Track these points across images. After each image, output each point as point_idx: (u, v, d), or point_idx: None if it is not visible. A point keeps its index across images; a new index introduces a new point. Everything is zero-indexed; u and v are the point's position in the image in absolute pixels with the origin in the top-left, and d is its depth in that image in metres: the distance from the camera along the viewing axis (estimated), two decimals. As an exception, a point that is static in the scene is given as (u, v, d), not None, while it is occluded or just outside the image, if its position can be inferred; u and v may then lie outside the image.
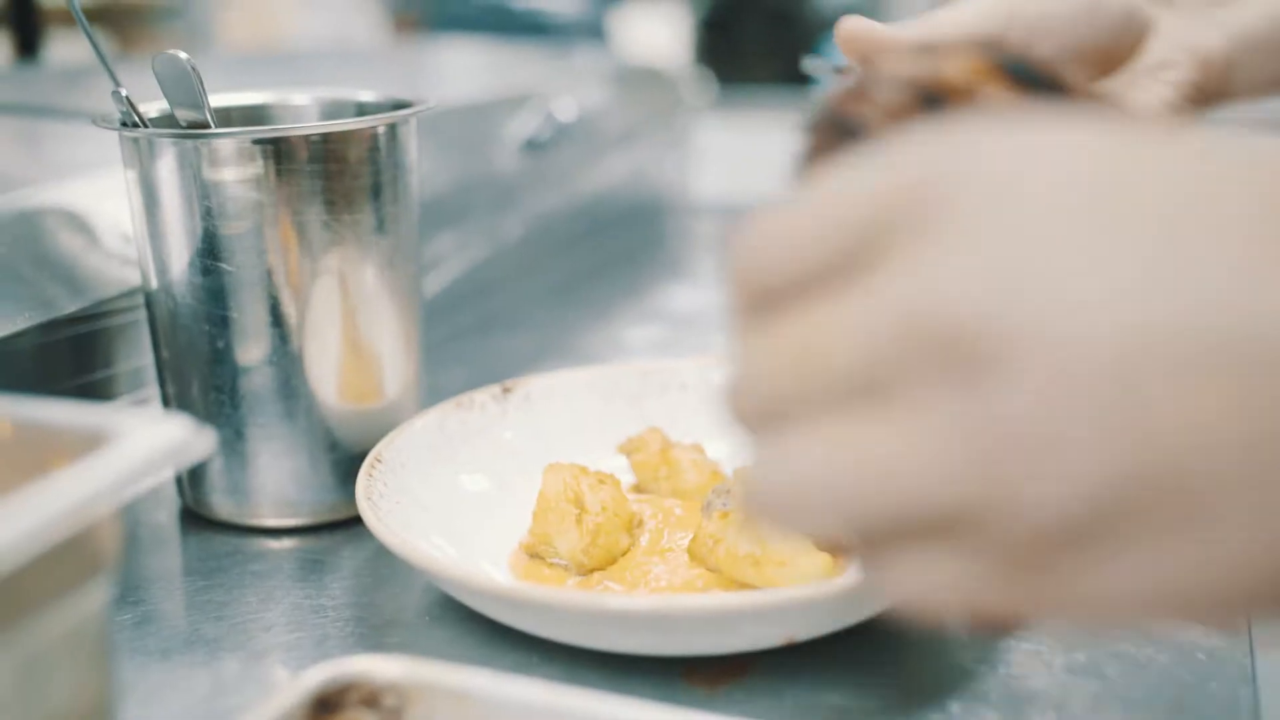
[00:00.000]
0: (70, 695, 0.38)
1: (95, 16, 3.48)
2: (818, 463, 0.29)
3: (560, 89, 1.28)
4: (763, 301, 0.30)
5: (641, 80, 1.54)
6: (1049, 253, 0.26)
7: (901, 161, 0.29)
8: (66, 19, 0.64)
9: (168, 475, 0.69)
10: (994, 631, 0.42)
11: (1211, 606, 0.27)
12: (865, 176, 0.29)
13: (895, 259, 0.28)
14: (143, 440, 0.38)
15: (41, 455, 0.40)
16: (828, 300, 0.29)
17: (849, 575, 0.56)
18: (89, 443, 0.39)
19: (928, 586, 0.29)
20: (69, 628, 0.38)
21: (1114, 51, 0.58)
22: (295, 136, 0.62)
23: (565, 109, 1.23)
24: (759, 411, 0.30)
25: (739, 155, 2.39)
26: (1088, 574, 0.27)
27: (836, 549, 0.42)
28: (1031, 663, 0.53)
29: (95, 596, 0.39)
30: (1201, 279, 0.25)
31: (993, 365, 0.26)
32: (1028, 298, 0.26)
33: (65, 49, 2.22)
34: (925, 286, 0.27)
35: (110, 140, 0.64)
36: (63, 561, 0.37)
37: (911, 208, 0.28)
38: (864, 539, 0.29)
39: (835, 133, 0.38)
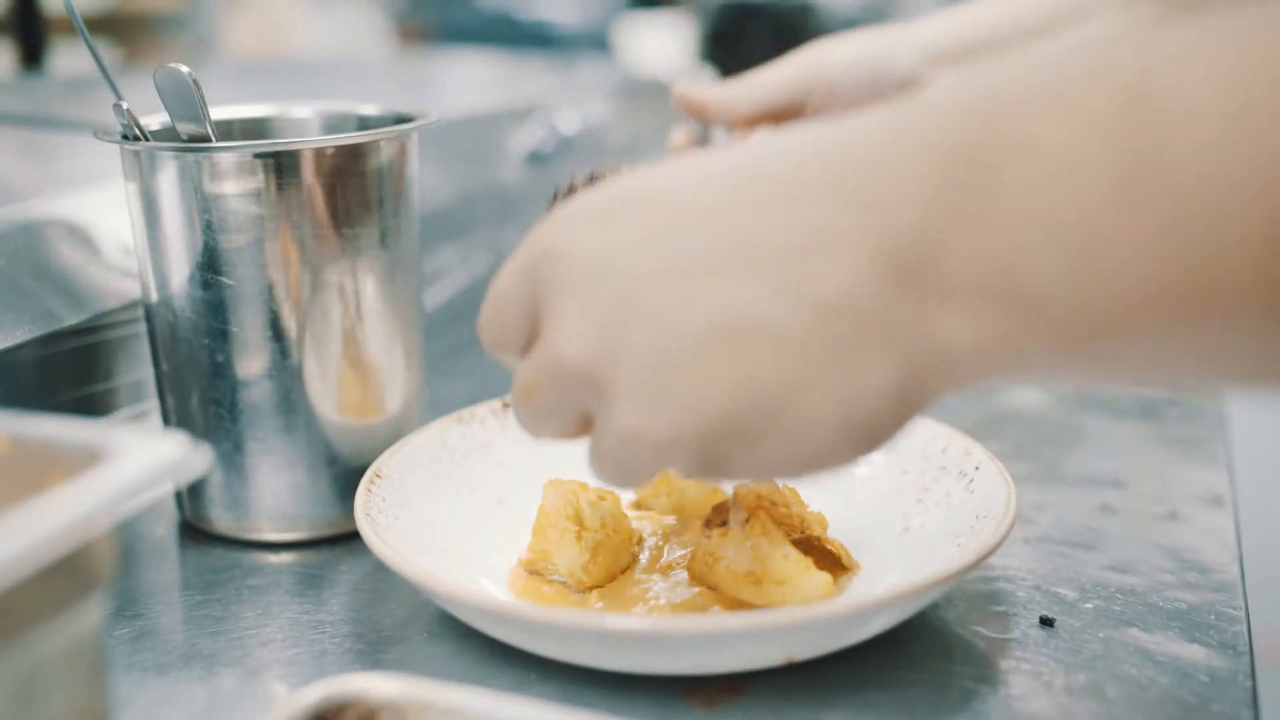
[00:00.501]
0: (66, 712, 0.38)
1: (99, 26, 3.49)
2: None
3: (564, 101, 1.28)
4: (501, 353, 0.49)
5: (646, 93, 1.54)
6: (617, 311, 0.42)
7: (528, 246, 0.46)
8: (71, 29, 0.64)
9: (166, 490, 0.69)
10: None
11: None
12: (513, 262, 0.46)
13: (541, 320, 0.45)
14: (139, 457, 0.38)
15: (38, 471, 0.40)
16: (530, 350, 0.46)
17: (850, 595, 0.56)
18: (86, 459, 0.39)
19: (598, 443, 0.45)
20: (65, 645, 0.38)
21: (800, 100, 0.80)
22: (296, 150, 0.61)
23: (569, 121, 1.23)
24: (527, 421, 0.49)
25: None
26: (717, 471, 0.43)
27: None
28: (1032, 684, 0.52)
29: (91, 613, 0.39)
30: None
31: (602, 392, 0.43)
32: (608, 347, 0.42)
33: (69, 59, 2.22)
34: (553, 346, 0.44)
35: (112, 152, 0.64)
36: (59, 578, 0.36)
37: (537, 282, 0.45)
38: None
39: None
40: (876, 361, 0.39)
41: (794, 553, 0.55)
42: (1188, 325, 0.35)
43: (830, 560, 0.59)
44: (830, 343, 0.39)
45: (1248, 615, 0.58)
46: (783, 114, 0.81)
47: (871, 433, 0.41)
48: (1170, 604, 0.59)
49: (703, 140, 0.81)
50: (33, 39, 1.69)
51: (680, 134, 0.82)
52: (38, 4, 1.70)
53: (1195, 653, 0.55)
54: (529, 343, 0.47)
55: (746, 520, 0.56)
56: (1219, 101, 0.33)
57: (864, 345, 0.39)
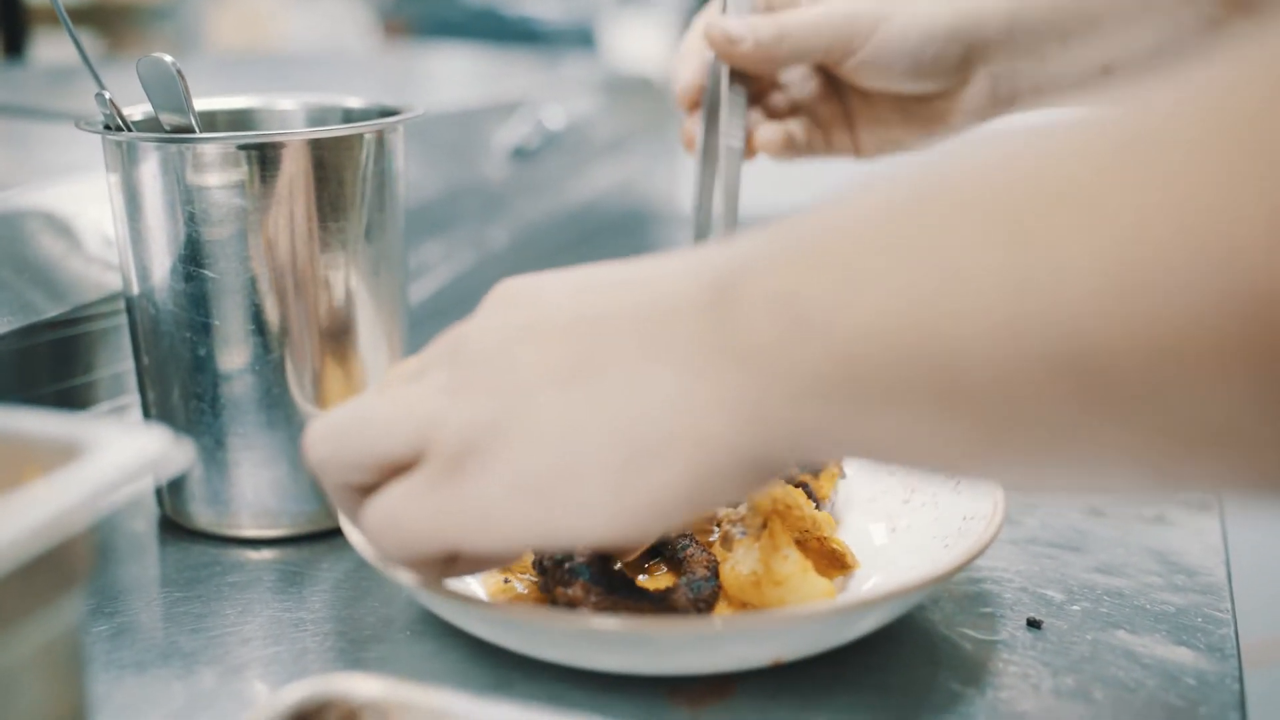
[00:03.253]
0: (42, 710, 0.38)
1: (83, 17, 3.48)
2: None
3: (549, 97, 1.27)
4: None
5: (631, 89, 1.53)
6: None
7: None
8: (53, 18, 0.63)
9: (146, 485, 0.68)
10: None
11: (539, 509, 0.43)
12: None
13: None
14: (119, 452, 0.37)
15: (15, 466, 0.39)
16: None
17: (842, 597, 0.55)
18: (64, 454, 0.38)
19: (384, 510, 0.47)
20: (41, 643, 0.37)
21: (845, 46, 0.71)
22: (281, 142, 0.61)
23: (554, 117, 1.23)
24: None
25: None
26: (473, 480, 0.44)
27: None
28: (1019, 686, 0.52)
29: (68, 611, 0.38)
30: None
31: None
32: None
33: (51, 49, 2.21)
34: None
35: (94, 143, 0.64)
36: (35, 576, 0.36)
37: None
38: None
39: None
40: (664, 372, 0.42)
41: (796, 554, 0.55)
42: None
43: (835, 560, 0.59)
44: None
45: (1235, 618, 0.58)
46: (820, 64, 0.74)
47: (639, 461, 0.42)
48: (1158, 606, 0.59)
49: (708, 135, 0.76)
50: (14, 28, 1.68)
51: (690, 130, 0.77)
52: (19, -7, 1.69)
53: (1183, 655, 0.54)
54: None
55: (764, 525, 0.56)
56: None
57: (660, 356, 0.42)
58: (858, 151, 0.78)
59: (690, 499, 0.42)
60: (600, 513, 0.42)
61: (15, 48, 1.67)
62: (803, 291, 0.38)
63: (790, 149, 0.77)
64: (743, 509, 0.57)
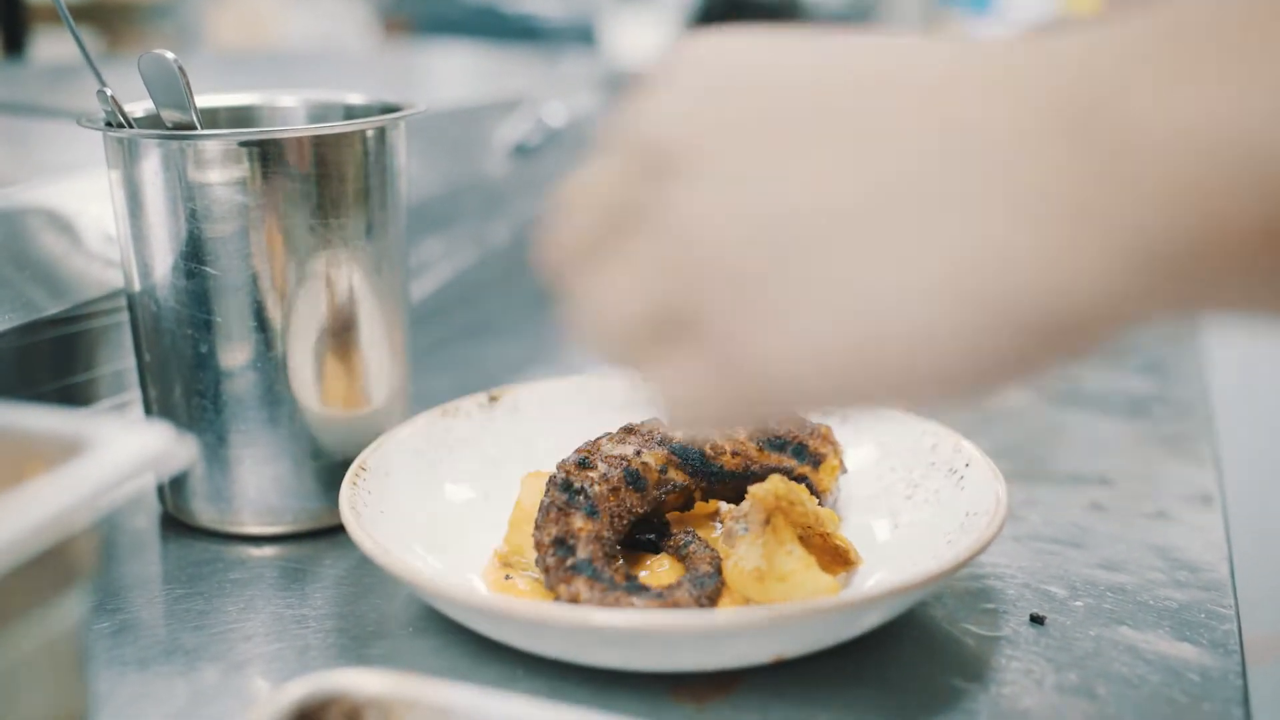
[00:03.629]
0: (45, 708, 0.38)
1: (83, 15, 3.47)
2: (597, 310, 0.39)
3: (550, 93, 1.27)
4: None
5: (632, 85, 1.53)
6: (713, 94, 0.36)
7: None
8: (54, 16, 0.63)
9: (148, 482, 0.68)
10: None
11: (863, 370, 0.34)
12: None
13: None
14: (121, 448, 0.37)
15: (18, 462, 0.39)
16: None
17: (845, 593, 0.55)
18: (66, 450, 0.38)
19: (673, 381, 0.37)
20: (44, 640, 0.37)
21: None
22: (282, 139, 0.61)
23: (555, 114, 1.23)
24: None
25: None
26: (765, 328, 0.34)
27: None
28: (1022, 682, 0.52)
29: (71, 608, 0.38)
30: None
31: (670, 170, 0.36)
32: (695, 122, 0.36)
33: (52, 46, 2.21)
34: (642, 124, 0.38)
35: (95, 140, 0.63)
36: (38, 572, 0.36)
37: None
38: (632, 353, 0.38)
39: (566, 490, 0.58)
40: (1039, 226, 0.31)
41: (799, 550, 0.55)
42: None
43: (839, 556, 0.59)
44: (988, 180, 0.32)
45: (1238, 614, 0.58)
46: None
47: (1001, 330, 0.32)
48: (1160, 602, 0.59)
49: None
50: (15, 26, 1.68)
51: None
52: (20, -9, 1.69)
53: (1186, 651, 0.54)
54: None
55: (766, 521, 0.56)
56: None
57: (1021, 204, 0.32)
58: None
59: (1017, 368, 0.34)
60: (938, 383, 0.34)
61: (16, 46, 1.67)
62: (1218, 113, 0.30)
63: None
64: (746, 505, 0.57)
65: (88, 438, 0.38)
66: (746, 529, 0.56)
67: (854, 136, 0.34)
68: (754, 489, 0.58)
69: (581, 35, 2.74)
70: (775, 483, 0.58)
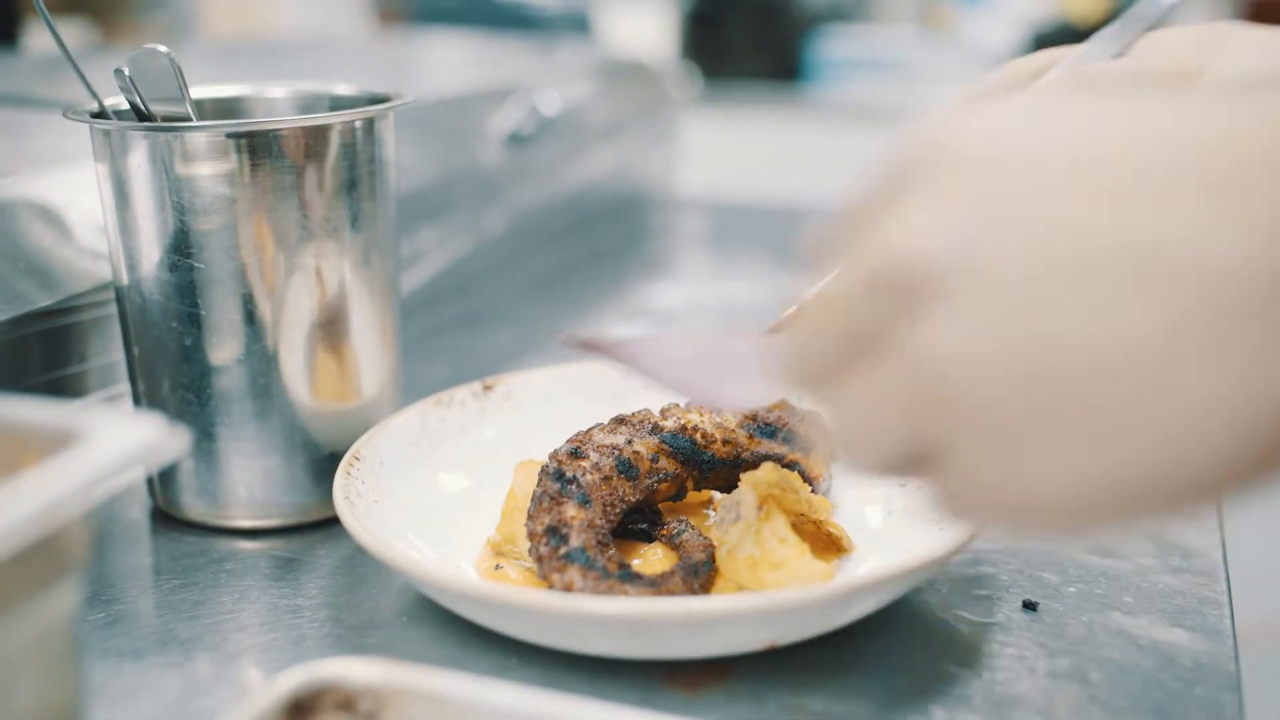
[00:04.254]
0: (38, 699, 0.38)
1: (77, 6, 3.46)
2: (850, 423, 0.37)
3: (544, 82, 1.27)
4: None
5: (626, 74, 1.53)
6: (974, 207, 0.33)
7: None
8: (48, 7, 0.63)
9: (138, 474, 0.68)
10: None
11: (1127, 501, 0.33)
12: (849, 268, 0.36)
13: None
14: (113, 440, 0.37)
15: (10, 454, 0.39)
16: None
17: (837, 579, 0.55)
18: (58, 442, 0.38)
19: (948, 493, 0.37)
20: (37, 631, 0.37)
21: None
22: (269, 131, 0.60)
23: (549, 103, 1.22)
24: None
25: (724, 150, 2.38)
26: (1024, 463, 0.33)
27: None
28: (1015, 668, 0.52)
29: (64, 598, 0.38)
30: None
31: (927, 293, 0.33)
32: (954, 240, 0.33)
33: (44, 37, 2.20)
34: (891, 237, 0.35)
35: (86, 132, 0.63)
36: (31, 563, 0.36)
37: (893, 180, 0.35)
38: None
39: (558, 480, 0.58)
40: None
41: (792, 537, 0.55)
42: None
43: (832, 543, 0.59)
44: (1254, 300, 0.31)
45: (1231, 600, 0.58)
46: None
47: (1246, 452, 0.32)
48: (1154, 588, 0.59)
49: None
50: (7, 16, 1.67)
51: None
52: (12, -19, 1.69)
53: (1178, 637, 0.54)
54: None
55: (760, 508, 0.56)
56: None
57: None
58: None
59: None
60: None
61: (8, 36, 1.67)
62: None
63: None
64: (739, 493, 0.57)
65: (79, 430, 0.38)
66: (740, 517, 0.56)
67: (1145, 262, 0.32)
68: (746, 476, 0.58)
69: (576, 24, 2.74)
70: (768, 470, 0.58)
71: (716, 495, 0.64)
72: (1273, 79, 0.48)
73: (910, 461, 0.37)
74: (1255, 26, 0.54)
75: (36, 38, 1.96)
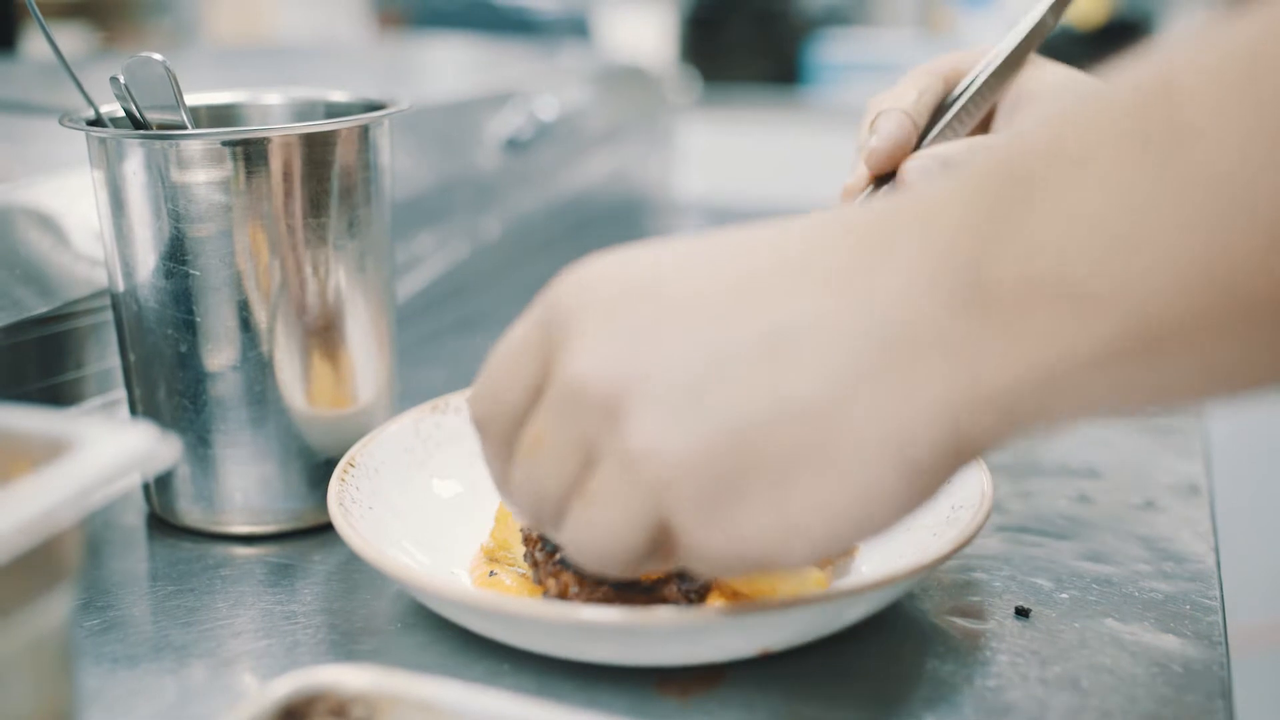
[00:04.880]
0: (31, 708, 0.38)
1: (78, 10, 3.47)
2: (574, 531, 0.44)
3: (543, 87, 1.27)
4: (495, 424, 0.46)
5: (625, 79, 1.53)
6: (648, 324, 0.40)
7: (535, 303, 0.44)
8: (46, 12, 0.63)
9: (134, 481, 0.68)
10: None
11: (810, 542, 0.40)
12: (517, 325, 0.45)
13: (552, 360, 0.43)
14: (106, 448, 0.38)
15: (2, 463, 0.39)
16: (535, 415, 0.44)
17: (828, 587, 0.56)
18: (51, 450, 0.38)
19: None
20: (29, 639, 0.37)
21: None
22: (263, 138, 0.61)
23: (547, 107, 1.23)
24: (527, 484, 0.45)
25: (723, 154, 2.38)
26: (740, 525, 0.40)
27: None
28: (1008, 674, 0.52)
29: (57, 607, 0.38)
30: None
31: (618, 414, 0.40)
32: (634, 360, 0.40)
33: (43, 43, 2.20)
34: (568, 369, 0.41)
35: (83, 138, 0.63)
36: (23, 572, 0.36)
37: (550, 325, 0.43)
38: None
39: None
40: (931, 383, 0.37)
41: None
42: (1226, 331, 0.34)
43: None
44: (884, 356, 0.37)
45: (1223, 605, 0.58)
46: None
47: (920, 472, 0.38)
48: (1146, 594, 0.59)
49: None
50: (6, 22, 1.68)
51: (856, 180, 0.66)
52: (11, -14, 1.69)
53: (1170, 643, 0.55)
54: (532, 400, 0.44)
55: None
56: (1241, 94, 0.33)
57: (919, 364, 0.37)
58: None
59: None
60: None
61: (6, 41, 1.67)
62: (1073, 272, 0.35)
63: None
64: None
65: (73, 438, 0.38)
66: None
67: (784, 338, 0.39)
68: None
69: (576, 28, 2.74)
70: None
71: None
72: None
73: (653, 546, 0.42)
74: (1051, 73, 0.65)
75: (35, 43, 1.97)
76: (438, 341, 1.01)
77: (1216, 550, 0.63)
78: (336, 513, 0.57)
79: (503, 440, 0.45)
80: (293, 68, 1.53)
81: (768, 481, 0.39)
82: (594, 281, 0.42)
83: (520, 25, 2.62)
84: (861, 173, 0.65)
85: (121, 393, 0.70)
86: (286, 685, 0.41)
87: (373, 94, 0.70)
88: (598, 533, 0.42)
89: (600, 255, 0.43)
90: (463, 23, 2.59)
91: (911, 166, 0.62)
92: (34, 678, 0.38)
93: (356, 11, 3.72)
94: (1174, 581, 0.60)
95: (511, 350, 0.45)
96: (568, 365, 0.42)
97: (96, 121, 0.64)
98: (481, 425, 0.46)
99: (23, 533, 0.34)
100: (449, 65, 1.65)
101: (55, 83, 1.22)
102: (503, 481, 0.46)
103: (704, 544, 0.41)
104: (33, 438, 0.39)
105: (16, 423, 0.40)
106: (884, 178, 0.64)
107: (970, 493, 0.58)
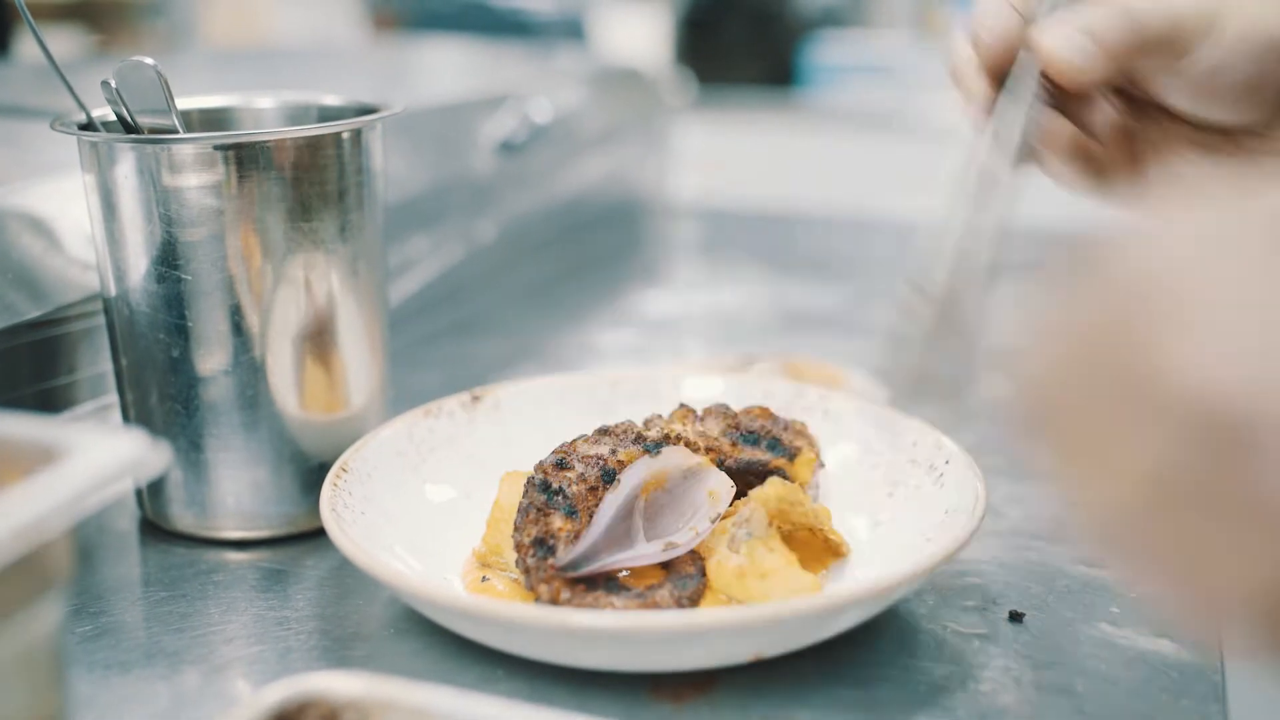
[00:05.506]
0: (23, 715, 0.38)
1: (73, 13, 3.46)
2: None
3: (538, 89, 1.27)
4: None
5: (620, 80, 1.53)
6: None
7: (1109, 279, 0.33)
8: (39, 15, 0.63)
9: (126, 486, 0.68)
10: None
11: None
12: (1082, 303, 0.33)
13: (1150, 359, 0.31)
14: (96, 456, 0.37)
15: (-7, 470, 0.39)
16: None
17: (825, 592, 0.55)
18: (41, 457, 0.38)
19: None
20: (20, 647, 0.37)
21: (1168, 51, 0.55)
22: (256, 142, 0.60)
23: (541, 110, 1.23)
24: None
25: (718, 156, 2.38)
26: None
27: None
28: (1002, 679, 0.52)
29: (48, 614, 0.38)
30: None
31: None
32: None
33: (36, 46, 2.20)
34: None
35: (75, 142, 0.63)
36: (13, 580, 0.36)
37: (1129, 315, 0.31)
38: None
39: (544, 491, 0.58)
40: None
41: (780, 547, 0.55)
42: None
43: (830, 548, 0.59)
44: None
45: (1217, 609, 0.58)
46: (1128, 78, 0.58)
47: None
48: (1140, 599, 0.59)
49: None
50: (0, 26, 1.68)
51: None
52: (5, -11, 1.69)
53: (1165, 648, 0.55)
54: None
55: (770, 525, 0.56)
56: None
57: None
58: (1132, 192, 0.62)
59: None
60: None
61: (0, 45, 1.67)
62: None
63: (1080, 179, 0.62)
64: (747, 510, 0.57)
65: (64, 444, 0.38)
66: (750, 534, 0.56)
67: None
68: (755, 493, 0.58)
69: (571, 30, 2.74)
70: (775, 485, 0.58)
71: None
72: None
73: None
74: None
75: (29, 46, 1.96)
76: (433, 345, 1.01)
77: (1211, 554, 0.63)
78: (329, 518, 0.56)
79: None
80: (288, 70, 1.52)
81: None
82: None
83: (515, 27, 2.62)
84: (971, 72, 0.58)
85: (114, 397, 0.69)
86: (279, 692, 0.41)
87: (366, 97, 0.69)
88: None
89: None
90: (458, 25, 2.59)
91: (1053, 43, 0.54)
92: (26, 685, 0.38)
93: (352, 14, 3.72)
94: (1168, 585, 0.60)
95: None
96: (1183, 369, 0.30)
97: (88, 125, 0.63)
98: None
99: (13, 540, 0.34)
100: (444, 67, 1.65)
101: (48, 86, 1.22)
102: None
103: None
104: (24, 444, 0.39)
105: (7, 429, 0.40)
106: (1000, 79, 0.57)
107: (965, 498, 0.58)
